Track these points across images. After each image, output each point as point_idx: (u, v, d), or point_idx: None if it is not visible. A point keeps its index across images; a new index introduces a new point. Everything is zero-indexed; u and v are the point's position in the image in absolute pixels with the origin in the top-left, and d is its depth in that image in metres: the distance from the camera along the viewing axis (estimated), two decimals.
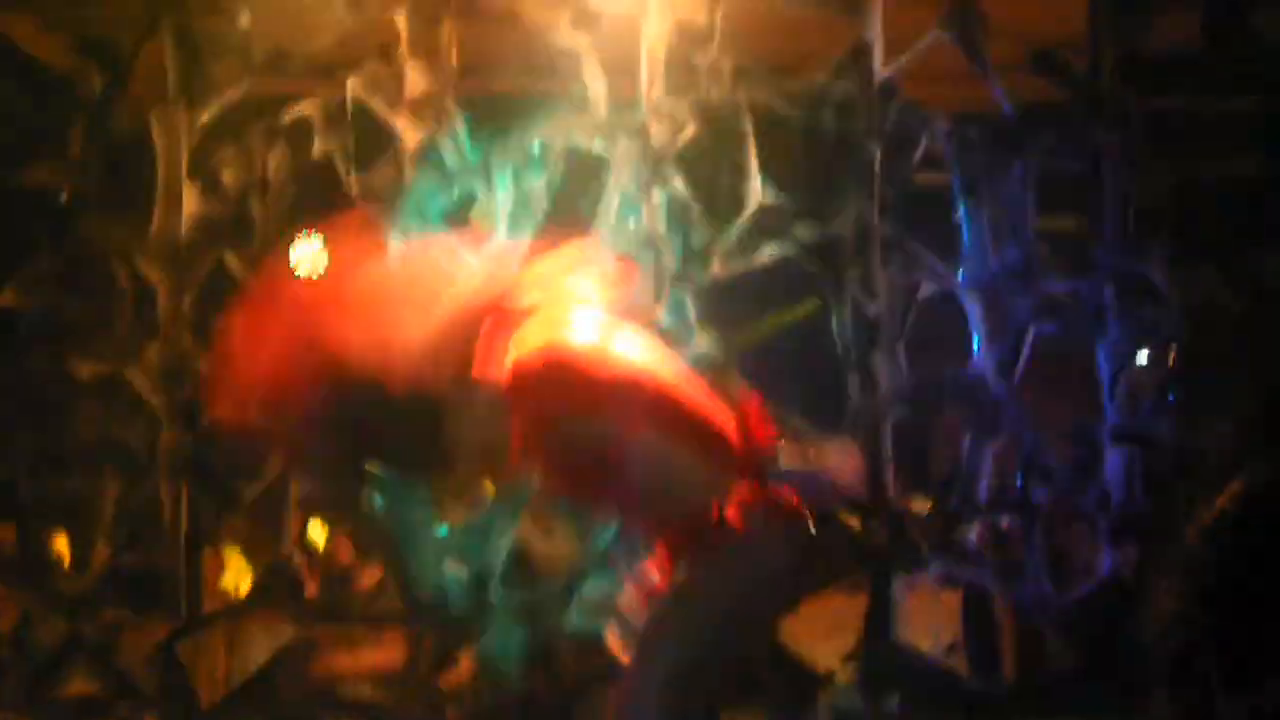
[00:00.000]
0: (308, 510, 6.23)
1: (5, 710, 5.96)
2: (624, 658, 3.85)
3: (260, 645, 6.16)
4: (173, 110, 6.24)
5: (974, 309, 6.17)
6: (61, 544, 6.38)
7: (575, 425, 3.65)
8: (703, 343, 6.00)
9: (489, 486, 5.80)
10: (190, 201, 6.26)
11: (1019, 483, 6.15)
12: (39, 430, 6.30)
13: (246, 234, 6.24)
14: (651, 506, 3.83)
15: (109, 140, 6.27)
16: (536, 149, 6.11)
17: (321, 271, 3.91)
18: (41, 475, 6.32)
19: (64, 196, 6.25)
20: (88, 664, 6.12)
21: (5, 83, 6.36)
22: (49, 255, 6.29)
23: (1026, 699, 6.10)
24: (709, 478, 3.81)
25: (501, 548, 6.06)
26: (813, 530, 4.01)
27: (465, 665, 6.09)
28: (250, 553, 6.32)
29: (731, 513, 3.84)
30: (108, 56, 6.26)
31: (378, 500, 6.07)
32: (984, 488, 6.15)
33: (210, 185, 6.28)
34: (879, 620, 6.08)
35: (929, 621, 6.20)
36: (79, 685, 6.11)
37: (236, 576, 6.74)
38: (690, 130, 6.09)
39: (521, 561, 6.07)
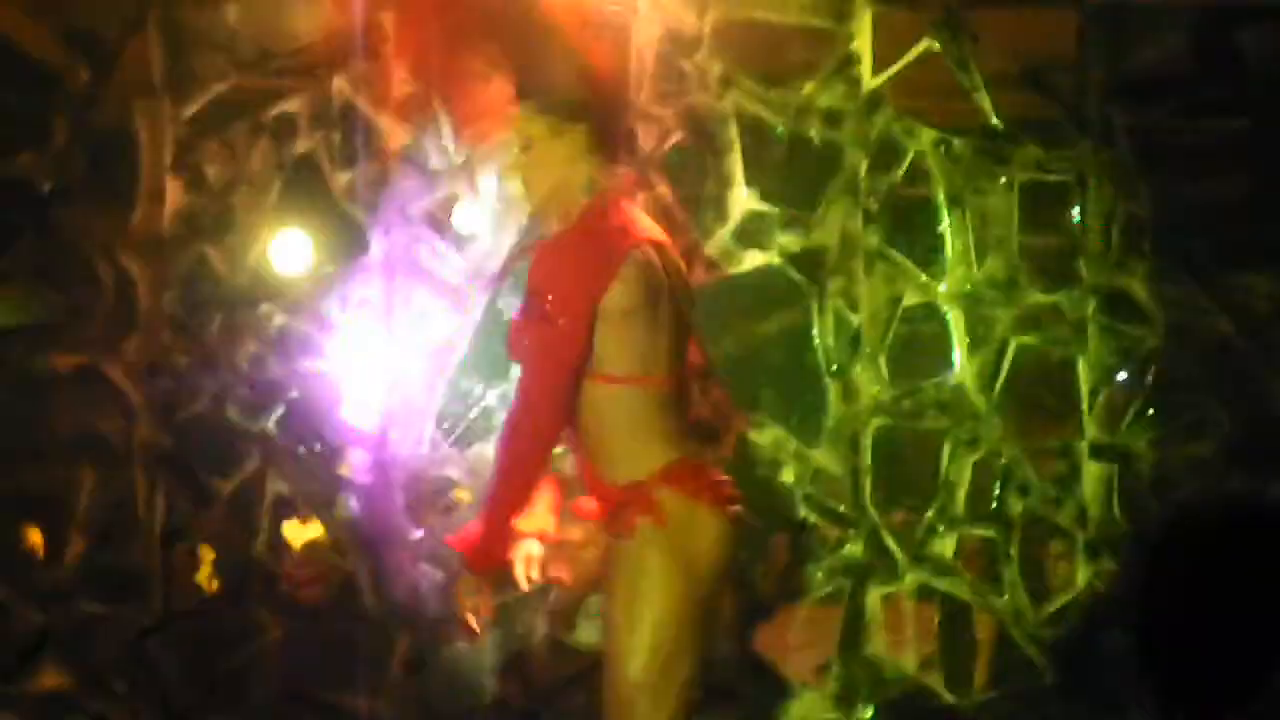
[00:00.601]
0: (281, 508, 6.19)
1: None
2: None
3: (233, 643, 6.12)
4: (157, 103, 6.21)
5: (956, 320, 6.18)
6: (35, 537, 6.34)
7: None
8: None
9: None
10: (173, 196, 6.23)
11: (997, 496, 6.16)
12: (14, 422, 6.26)
13: (229, 229, 6.23)
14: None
15: (93, 132, 6.23)
16: None
17: None
18: (15, 468, 6.27)
19: (47, 187, 6.21)
20: (59, 658, 6.09)
21: None
22: (30, 246, 6.26)
23: (1000, 713, 6.09)
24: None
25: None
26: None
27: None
28: (224, 549, 6.28)
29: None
30: (93, 48, 6.22)
31: (352, 504, 6.08)
32: (962, 500, 6.15)
33: (193, 180, 6.26)
34: (854, 632, 6.07)
35: (905, 634, 6.19)
36: (51, 679, 6.07)
37: (211, 573, 6.70)
38: (677, 136, 6.09)
39: None
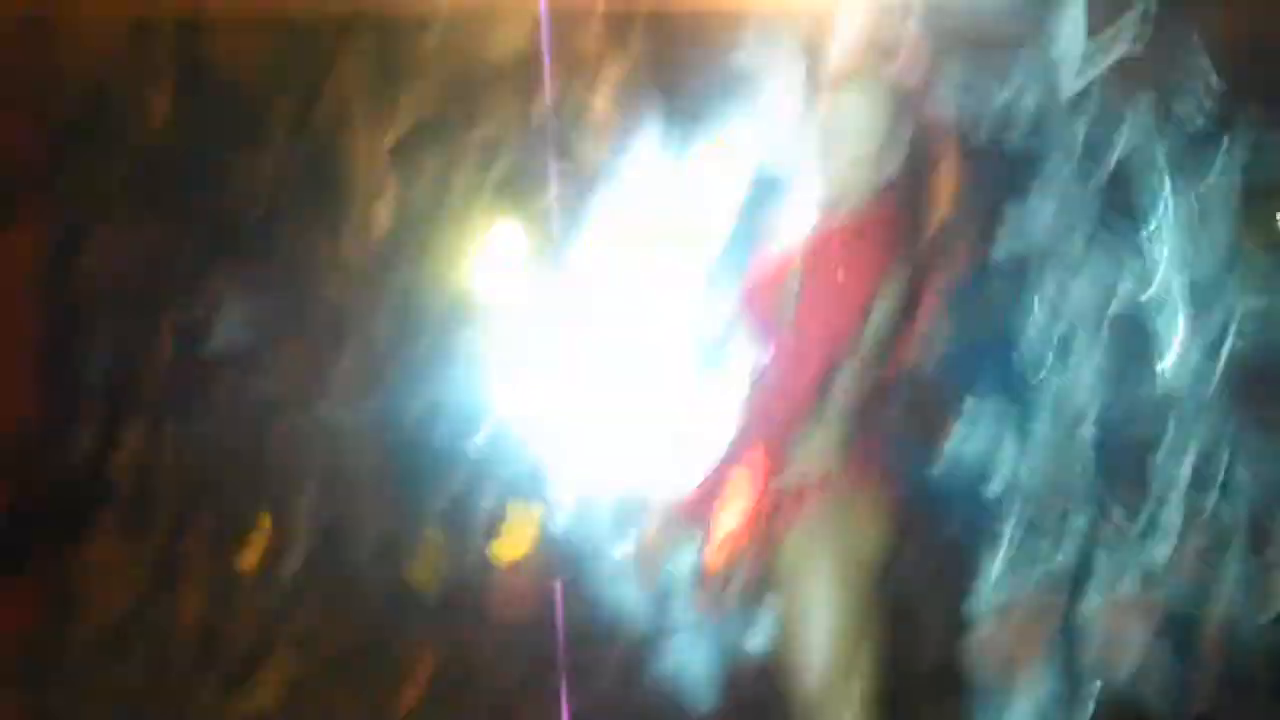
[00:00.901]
0: (490, 527, 6.27)
1: None
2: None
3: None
4: (362, 129, 6.33)
5: (1173, 317, 6.04)
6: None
7: None
8: None
9: None
10: (380, 220, 6.34)
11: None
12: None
13: (434, 252, 6.33)
14: None
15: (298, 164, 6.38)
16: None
17: None
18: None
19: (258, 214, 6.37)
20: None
21: (205, 103, 6.49)
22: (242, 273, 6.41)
23: None
24: None
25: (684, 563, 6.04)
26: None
27: None
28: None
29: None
30: (300, 76, 6.37)
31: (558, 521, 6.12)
32: (1180, 502, 6.00)
33: (399, 204, 6.36)
34: (1066, 641, 5.95)
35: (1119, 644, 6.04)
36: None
37: None
38: None
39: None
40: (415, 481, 6.26)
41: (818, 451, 4.04)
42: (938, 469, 5.95)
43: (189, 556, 6.49)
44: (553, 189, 6.26)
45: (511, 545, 6.51)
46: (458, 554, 6.18)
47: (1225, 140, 6.04)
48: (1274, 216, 6.13)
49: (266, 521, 6.36)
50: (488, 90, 6.32)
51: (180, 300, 6.43)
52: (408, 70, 6.32)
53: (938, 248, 4.17)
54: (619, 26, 6.30)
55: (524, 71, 6.29)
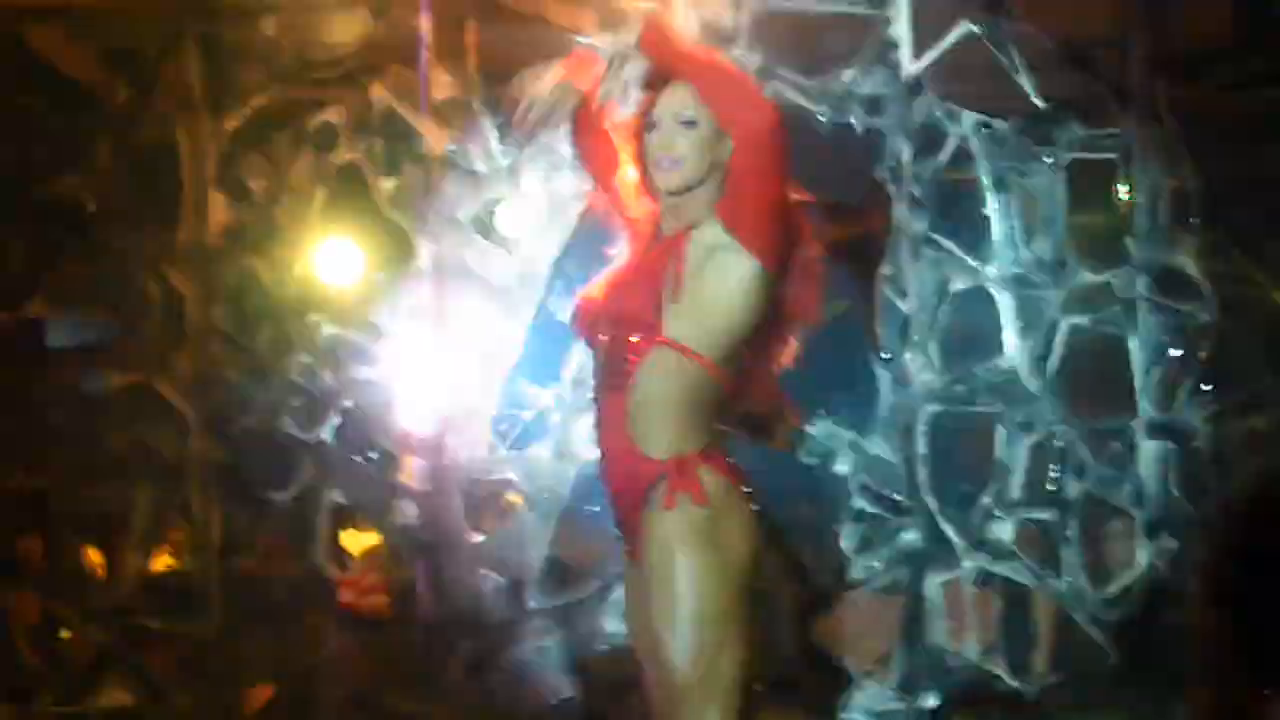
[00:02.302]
0: (339, 517, 6.22)
1: None
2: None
3: (296, 654, 6.14)
4: (198, 118, 6.24)
5: (1005, 303, 6.15)
6: (94, 555, 6.36)
7: None
8: None
9: None
10: (218, 210, 6.27)
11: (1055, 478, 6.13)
12: (69, 441, 6.29)
13: (274, 241, 6.26)
14: None
15: (136, 150, 6.27)
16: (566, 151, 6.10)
17: None
18: (72, 486, 6.30)
19: (91, 207, 6.25)
20: (121, 675, 6.12)
21: (33, 96, 6.35)
22: (78, 266, 6.30)
23: (1064, 697, 6.06)
24: None
25: (536, 554, 6.07)
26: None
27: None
28: (282, 561, 6.30)
29: None
30: (133, 67, 6.26)
31: (410, 510, 6.09)
32: (1019, 484, 6.13)
33: (237, 193, 6.29)
34: (914, 620, 6.06)
35: (965, 621, 6.16)
36: (113, 696, 6.11)
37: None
38: None
39: (554, 568, 6.08)
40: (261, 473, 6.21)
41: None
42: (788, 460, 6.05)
43: (28, 557, 6.38)
44: (396, 176, 6.22)
45: (362, 536, 6.49)
46: (308, 546, 6.12)
47: (1053, 132, 6.18)
48: (1103, 202, 6.27)
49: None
50: (328, 75, 6.26)
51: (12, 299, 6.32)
52: (247, 56, 6.25)
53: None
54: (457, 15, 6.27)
55: (365, 57, 6.24)
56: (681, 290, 4.01)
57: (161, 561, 6.38)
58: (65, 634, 6.28)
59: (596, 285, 4.21)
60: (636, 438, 4.05)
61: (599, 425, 4.13)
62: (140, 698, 6.13)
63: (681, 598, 4.01)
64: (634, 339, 4.05)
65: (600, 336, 4.12)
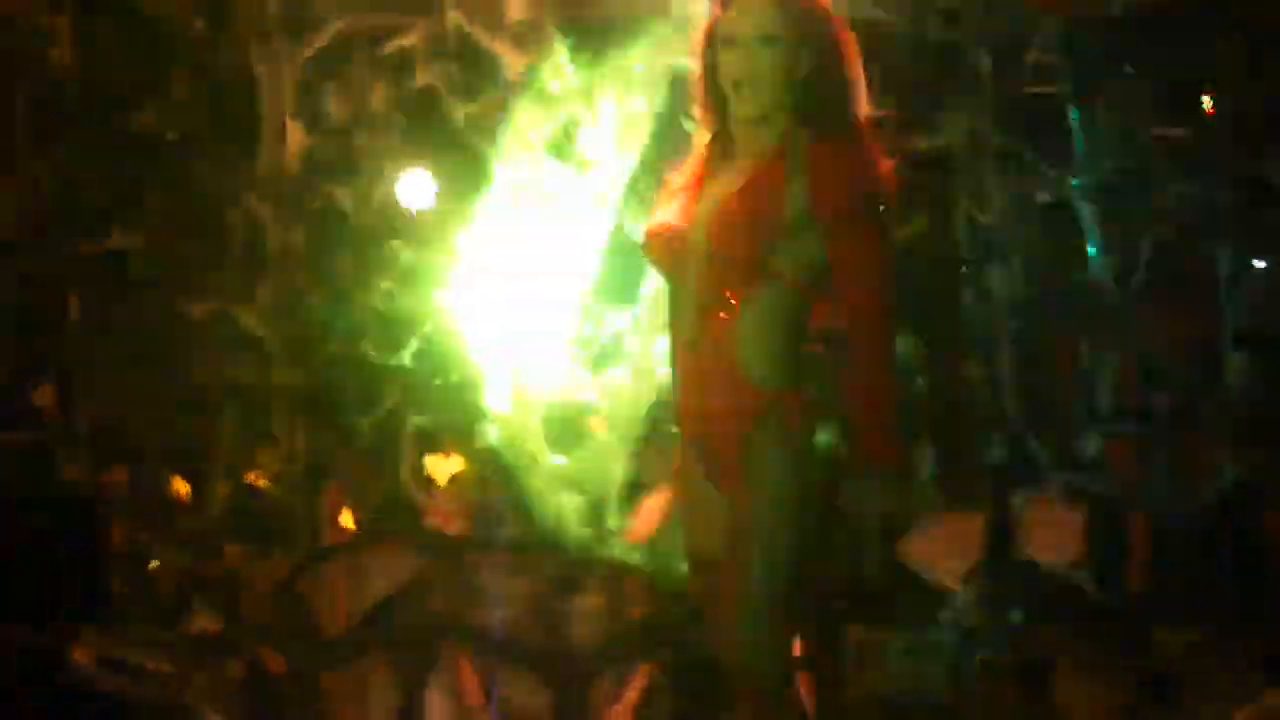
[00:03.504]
0: (422, 442, 6.24)
1: (131, 650, 6.00)
2: None
3: (381, 578, 6.16)
4: (275, 47, 6.25)
5: (1089, 217, 6.09)
6: (180, 484, 6.41)
7: None
8: None
9: None
10: (296, 138, 6.28)
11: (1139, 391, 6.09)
12: (152, 372, 6.35)
13: (353, 168, 6.27)
14: None
15: (214, 80, 6.30)
16: (639, 71, 6.08)
17: None
18: (156, 416, 6.35)
19: (171, 138, 6.29)
20: (210, 602, 6.17)
21: (109, 29, 6.39)
22: (158, 197, 6.34)
23: (1153, 610, 6.02)
24: None
25: (617, 475, 6.07)
26: None
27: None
28: (366, 486, 6.33)
29: None
30: None
31: (493, 432, 6.10)
32: (1105, 398, 6.09)
33: (315, 121, 6.31)
34: (999, 537, 6.03)
35: (1052, 537, 6.12)
36: (202, 623, 6.16)
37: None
38: None
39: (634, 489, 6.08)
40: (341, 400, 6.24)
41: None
42: None
43: (114, 487, 6.43)
44: (473, 100, 6.22)
45: (447, 461, 6.49)
46: (392, 471, 6.16)
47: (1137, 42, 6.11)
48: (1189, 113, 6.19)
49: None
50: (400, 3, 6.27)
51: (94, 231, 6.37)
52: None
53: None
54: None
55: None
56: (781, 223, 3.99)
57: (246, 489, 6.39)
58: (154, 563, 6.32)
59: (670, 213, 4.18)
60: (741, 368, 4.04)
61: (694, 355, 4.12)
62: (229, 624, 6.17)
63: (780, 522, 4.02)
64: (734, 274, 4.03)
65: (685, 269, 4.10)
